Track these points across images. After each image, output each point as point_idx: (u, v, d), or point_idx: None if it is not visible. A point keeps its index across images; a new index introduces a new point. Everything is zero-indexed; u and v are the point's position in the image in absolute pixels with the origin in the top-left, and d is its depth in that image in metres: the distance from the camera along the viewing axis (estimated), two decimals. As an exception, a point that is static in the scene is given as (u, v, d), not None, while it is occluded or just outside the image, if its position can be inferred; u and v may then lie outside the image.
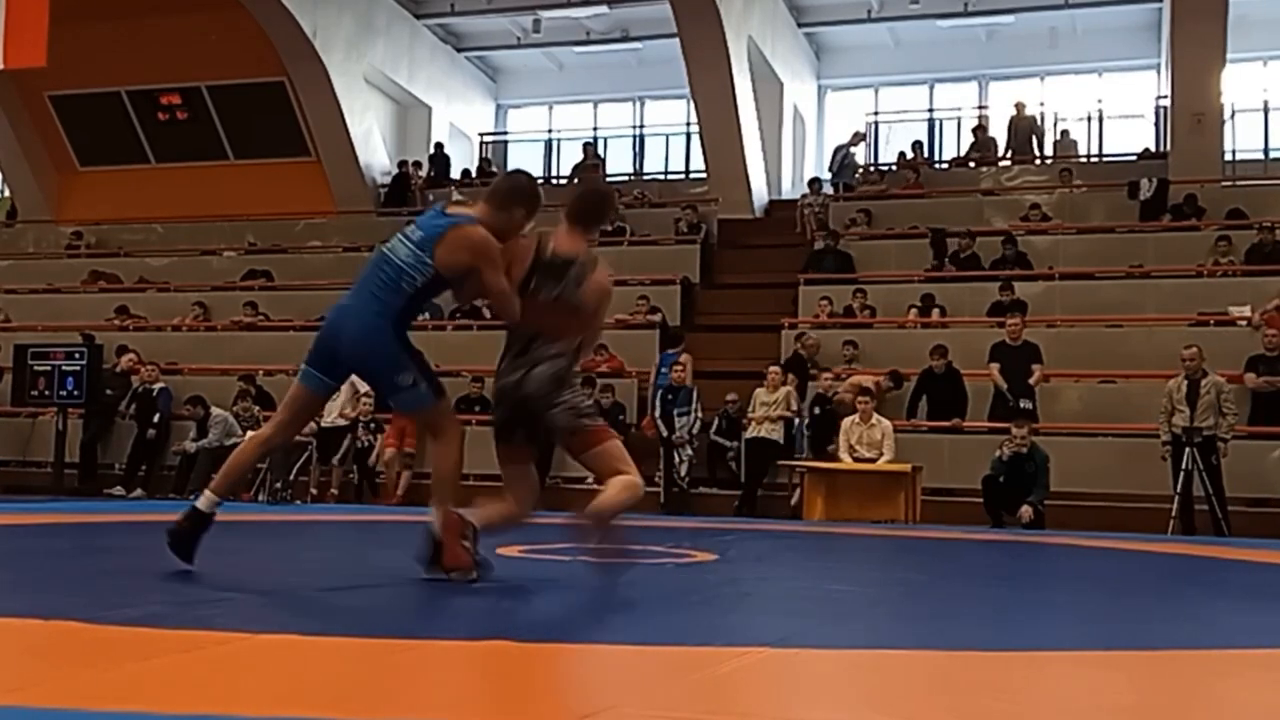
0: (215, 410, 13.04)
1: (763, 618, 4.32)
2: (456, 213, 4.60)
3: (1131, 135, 19.64)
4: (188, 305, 17.02)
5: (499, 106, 23.53)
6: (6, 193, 22.22)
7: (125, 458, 13.56)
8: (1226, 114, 17.13)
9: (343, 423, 12.79)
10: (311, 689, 2.64)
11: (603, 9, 20.43)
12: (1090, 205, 16.78)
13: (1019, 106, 18.98)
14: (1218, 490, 10.53)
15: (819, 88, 21.95)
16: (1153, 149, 18.48)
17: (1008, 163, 18.72)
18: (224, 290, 17.70)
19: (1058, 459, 10.82)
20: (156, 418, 13.36)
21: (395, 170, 20.14)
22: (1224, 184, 16.37)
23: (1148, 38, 19.71)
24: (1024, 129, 18.81)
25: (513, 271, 4.56)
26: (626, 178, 20.78)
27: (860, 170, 19.01)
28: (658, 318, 14.54)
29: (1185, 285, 14.01)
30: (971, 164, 18.84)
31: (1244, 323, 12.72)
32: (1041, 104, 20.10)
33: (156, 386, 13.71)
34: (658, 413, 12.49)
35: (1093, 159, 19.36)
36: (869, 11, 20.32)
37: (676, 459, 12.35)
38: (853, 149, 18.88)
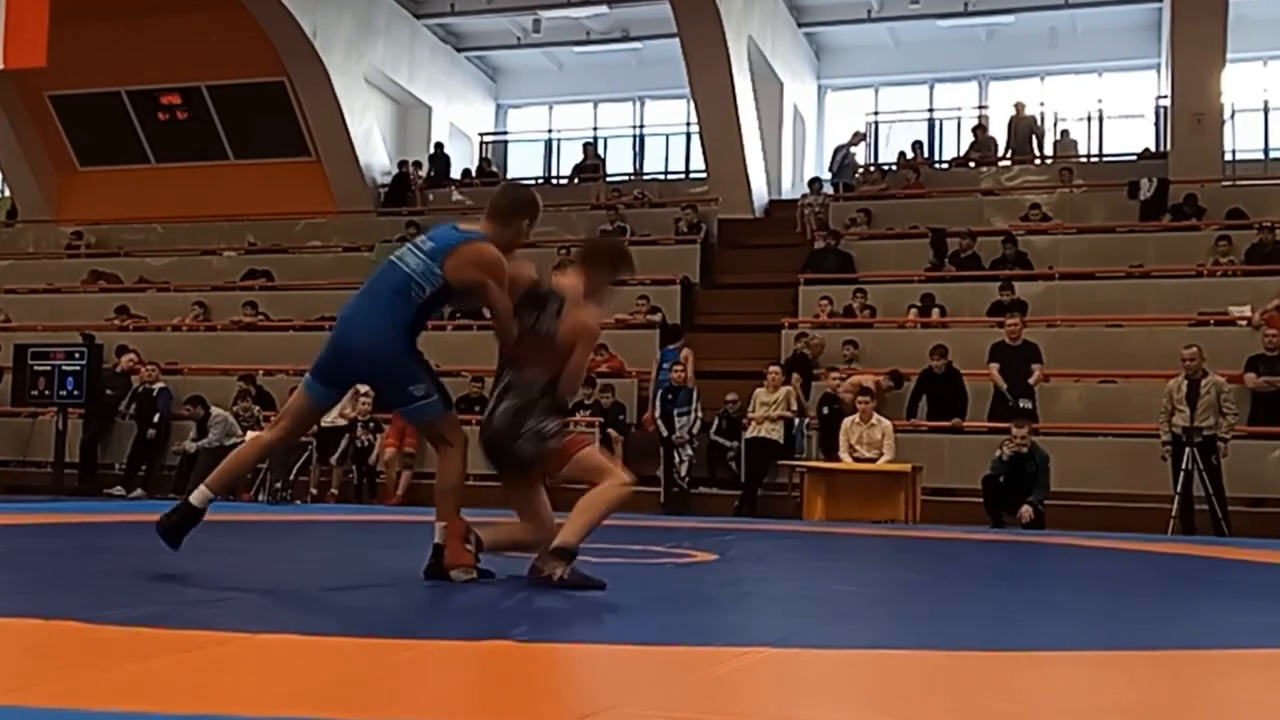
0: (215, 410, 13.04)
1: (763, 618, 4.32)
2: (469, 229, 4.63)
3: (1131, 135, 19.64)
4: (188, 305, 17.02)
5: (499, 106, 23.53)
6: (6, 193, 22.21)
7: (125, 458, 13.56)
8: (1226, 114, 17.13)
9: (342, 422, 12.78)
10: (311, 689, 2.64)
11: (603, 9, 20.43)
12: (1090, 205, 16.78)
13: (1019, 106, 18.98)
14: (1218, 490, 10.53)
15: (819, 88, 21.95)
16: (1153, 149, 18.48)
17: (1008, 163, 18.72)
18: (224, 290, 17.70)
19: (1058, 459, 10.82)
20: (156, 418, 13.36)
21: (395, 170, 20.14)
22: (1224, 184, 16.37)
23: (1148, 38, 19.71)
24: (1024, 129, 18.81)
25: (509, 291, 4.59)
26: (626, 178, 20.77)
27: (860, 170, 19.01)
28: (658, 317, 14.55)
29: (1185, 285, 14.01)
30: (971, 164, 18.84)
31: (1244, 323, 12.72)
32: (1041, 104, 20.10)
33: (156, 386, 13.71)
34: (658, 412, 12.50)
35: (1093, 159, 19.36)
36: (869, 11, 20.32)
37: (676, 459, 12.35)
38: (853, 149, 18.88)
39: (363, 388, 11.93)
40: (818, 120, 21.83)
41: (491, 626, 3.55)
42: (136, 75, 19.63)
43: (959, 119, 20.99)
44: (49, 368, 13.28)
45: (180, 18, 18.34)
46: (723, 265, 17.11)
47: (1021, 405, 11.62)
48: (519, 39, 21.90)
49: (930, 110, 21.42)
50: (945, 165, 19.71)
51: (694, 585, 5.19)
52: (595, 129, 22.44)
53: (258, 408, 13.23)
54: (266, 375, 14.33)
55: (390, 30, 20.19)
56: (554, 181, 21.34)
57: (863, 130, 19.94)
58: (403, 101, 21.37)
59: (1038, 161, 18.68)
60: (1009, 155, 18.79)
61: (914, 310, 14.12)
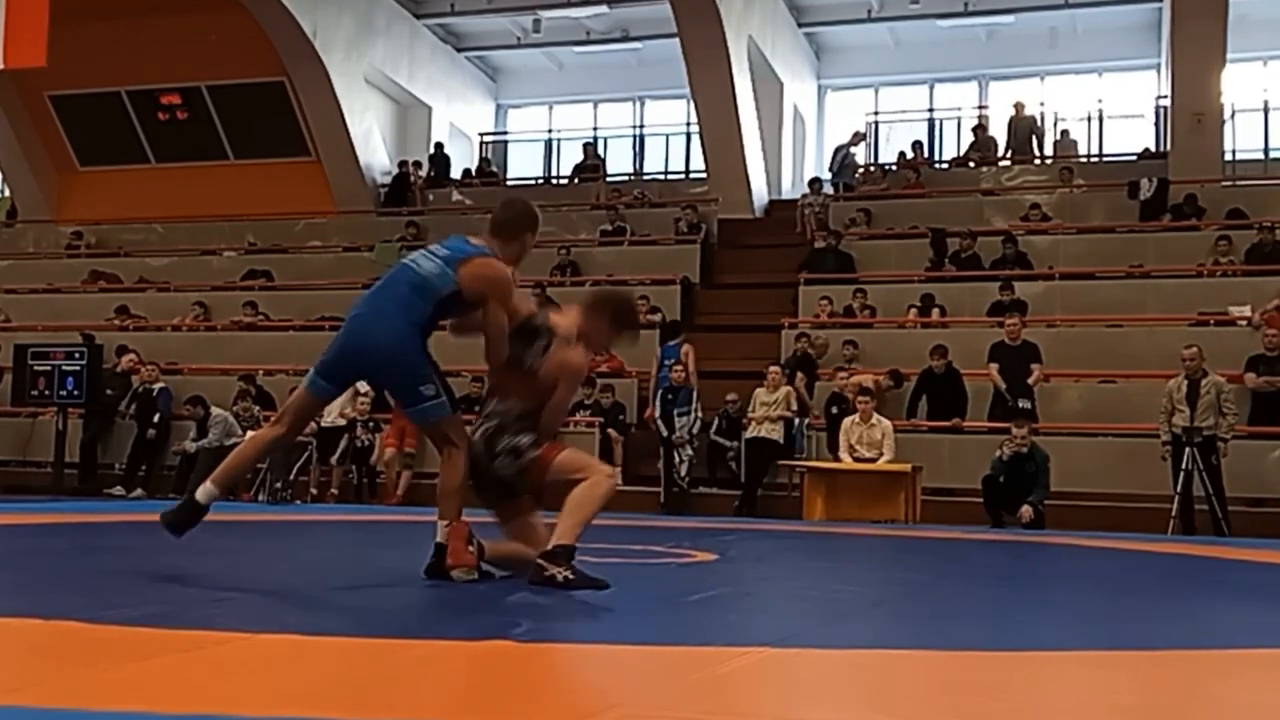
0: (215, 410, 13.04)
1: (763, 618, 4.32)
2: (479, 244, 4.69)
3: (1131, 135, 19.64)
4: (188, 305, 17.02)
5: (499, 106, 23.53)
6: (6, 193, 22.21)
7: (125, 458, 13.56)
8: (1226, 114, 17.13)
9: (342, 423, 12.79)
10: (311, 689, 2.64)
11: (603, 9, 20.43)
12: (1090, 205, 16.78)
13: (1019, 106, 18.98)
14: (1218, 490, 10.52)
15: (819, 88, 21.95)
16: (1153, 149, 18.48)
17: (1008, 163, 18.72)
18: (224, 290, 17.70)
19: (1058, 459, 10.82)
20: (156, 418, 13.36)
21: (395, 170, 20.15)
22: (1224, 184, 16.37)
23: (1148, 38, 19.71)
24: (1024, 129, 18.81)
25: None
26: (626, 178, 20.77)
27: (860, 170, 19.01)
28: (658, 318, 14.54)
29: (1185, 285, 14.01)
30: (971, 164, 18.84)
31: (1244, 323, 12.73)
32: (1041, 104, 20.11)
33: (156, 386, 13.71)
34: (658, 412, 12.50)
35: (1093, 159, 19.36)
36: (869, 11, 20.32)
37: (676, 459, 12.35)
38: (853, 149, 18.89)
39: (362, 387, 11.95)
40: (818, 120, 21.83)
41: (491, 626, 3.55)
42: (136, 75, 19.63)
43: (959, 119, 21.00)
44: (49, 368, 13.29)
45: (180, 18, 18.35)
46: (723, 265, 17.11)
47: (1020, 405, 11.62)
48: (519, 39, 21.90)
49: (930, 110, 21.43)
50: (945, 165, 19.71)
51: (694, 585, 5.18)
52: (595, 129, 22.45)
53: (258, 408, 13.23)
54: (266, 375, 14.33)
55: (390, 30, 20.20)
56: (554, 181, 21.35)
57: (863, 130, 19.95)
58: (403, 101, 21.37)
59: (1038, 161, 18.68)
60: (1009, 155, 18.79)
61: (914, 310, 14.12)
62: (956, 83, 21.38)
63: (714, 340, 14.58)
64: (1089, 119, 19.97)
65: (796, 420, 12.35)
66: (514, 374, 4.65)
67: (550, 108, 23.34)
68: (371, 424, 12.98)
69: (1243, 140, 18.37)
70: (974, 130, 19.62)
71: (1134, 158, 18.39)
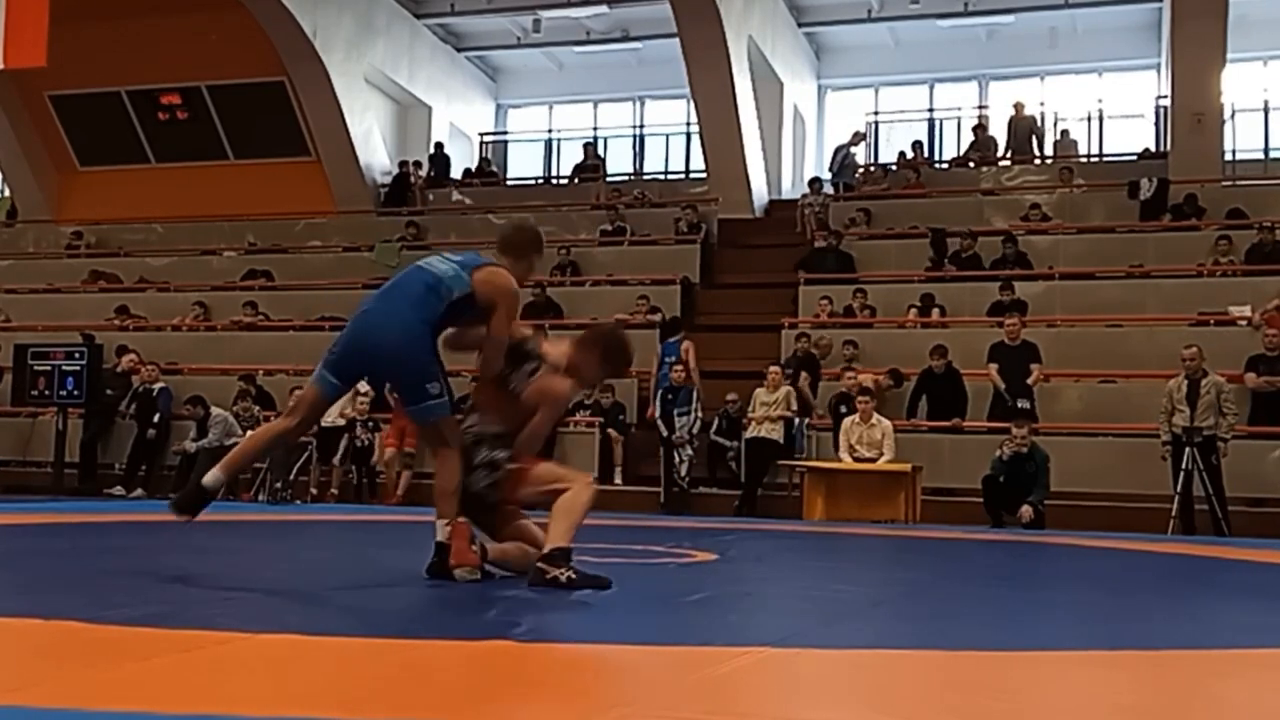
0: (215, 410, 13.04)
1: (763, 618, 4.32)
2: (492, 260, 4.80)
3: (1131, 135, 19.64)
4: (188, 305, 17.02)
5: (499, 106, 23.53)
6: (6, 193, 22.21)
7: (125, 458, 13.57)
8: (1226, 114, 17.13)
9: (342, 422, 12.78)
10: (311, 689, 2.64)
11: (603, 9, 20.43)
12: (1090, 205, 16.78)
13: (1019, 106, 18.98)
14: (1218, 490, 10.53)
15: (819, 88, 21.95)
16: (1153, 149, 18.48)
17: (1008, 163, 18.73)
18: (224, 290, 17.70)
19: (1058, 459, 10.82)
20: (156, 418, 13.37)
21: (395, 170, 20.14)
22: (1224, 184, 16.37)
23: (1148, 38, 19.71)
24: (1024, 129, 18.82)
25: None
26: (626, 178, 20.77)
27: (860, 170, 19.01)
28: (658, 317, 14.55)
29: (1185, 285, 14.01)
30: (971, 164, 18.84)
31: (1244, 323, 12.73)
32: (1041, 104, 20.11)
33: (156, 386, 13.72)
34: (658, 411, 12.50)
35: (1093, 159, 19.36)
36: (869, 11, 20.32)
37: (676, 459, 12.35)
38: (853, 149, 18.89)
39: (362, 387, 11.95)
40: (818, 120, 21.83)
41: (491, 626, 3.55)
42: (136, 75, 19.63)
43: (959, 119, 21.00)
44: (49, 368, 13.29)
45: (180, 18, 18.35)
46: (723, 265, 17.11)
47: (1020, 405, 11.62)
48: (519, 39, 21.90)
49: (930, 110, 21.43)
50: (945, 165, 19.71)
51: (694, 585, 5.18)
52: (595, 129, 22.44)
53: (258, 408, 13.23)
54: (266, 375, 14.33)
55: (390, 30, 20.20)
56: (554, 181, 21.35)
57: (863, 130, 19.95)
58: (403, 101, 21.37)
59: (1038, 161, 18.68)
60: (1009, 155, 18.79)
61: (914, 310, 14.12)
62: (956, 83, 21.38)
63: (714, 340, 14.58)
64: (1089, 119, 19.98)
65: (796, 420, 12.35)
66: (498, 394, 4.70)
67: (550, 108, 23.34)
68: (371, 424, 12.98)
69: (1243, 140, 18.37)
70: (974, 130, 19.62)
71: (1134, 158, 18.40)
